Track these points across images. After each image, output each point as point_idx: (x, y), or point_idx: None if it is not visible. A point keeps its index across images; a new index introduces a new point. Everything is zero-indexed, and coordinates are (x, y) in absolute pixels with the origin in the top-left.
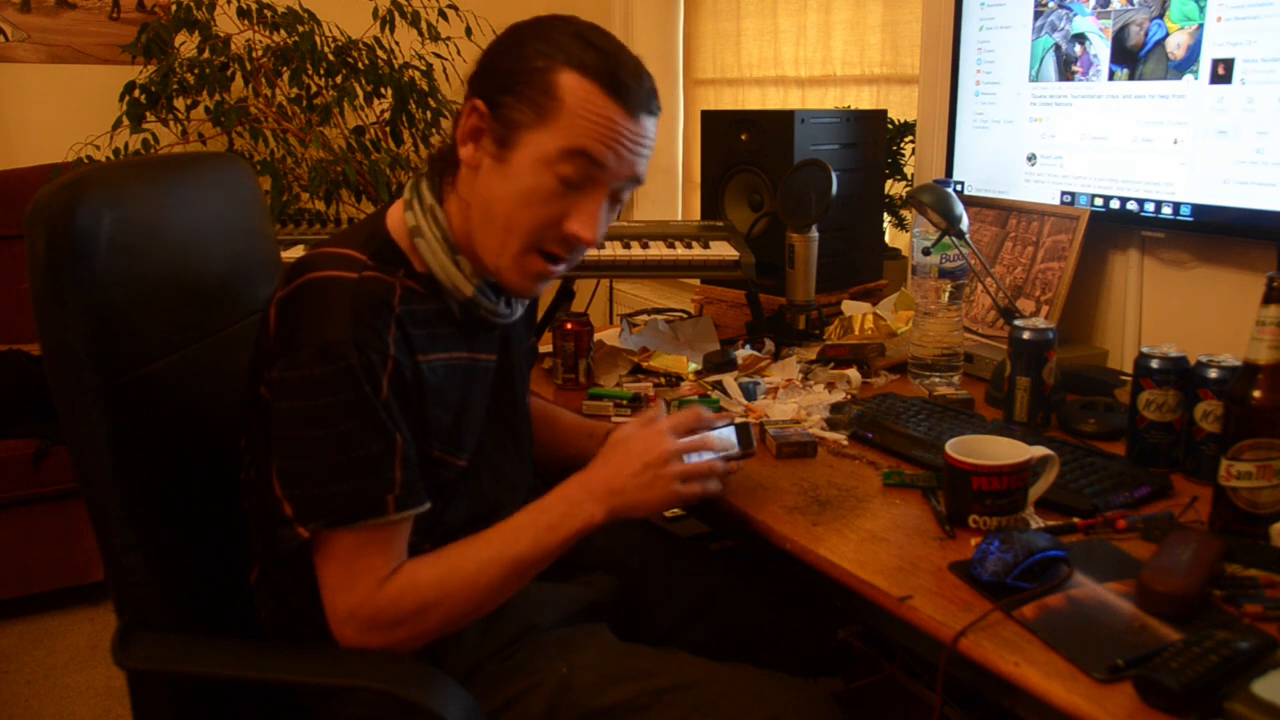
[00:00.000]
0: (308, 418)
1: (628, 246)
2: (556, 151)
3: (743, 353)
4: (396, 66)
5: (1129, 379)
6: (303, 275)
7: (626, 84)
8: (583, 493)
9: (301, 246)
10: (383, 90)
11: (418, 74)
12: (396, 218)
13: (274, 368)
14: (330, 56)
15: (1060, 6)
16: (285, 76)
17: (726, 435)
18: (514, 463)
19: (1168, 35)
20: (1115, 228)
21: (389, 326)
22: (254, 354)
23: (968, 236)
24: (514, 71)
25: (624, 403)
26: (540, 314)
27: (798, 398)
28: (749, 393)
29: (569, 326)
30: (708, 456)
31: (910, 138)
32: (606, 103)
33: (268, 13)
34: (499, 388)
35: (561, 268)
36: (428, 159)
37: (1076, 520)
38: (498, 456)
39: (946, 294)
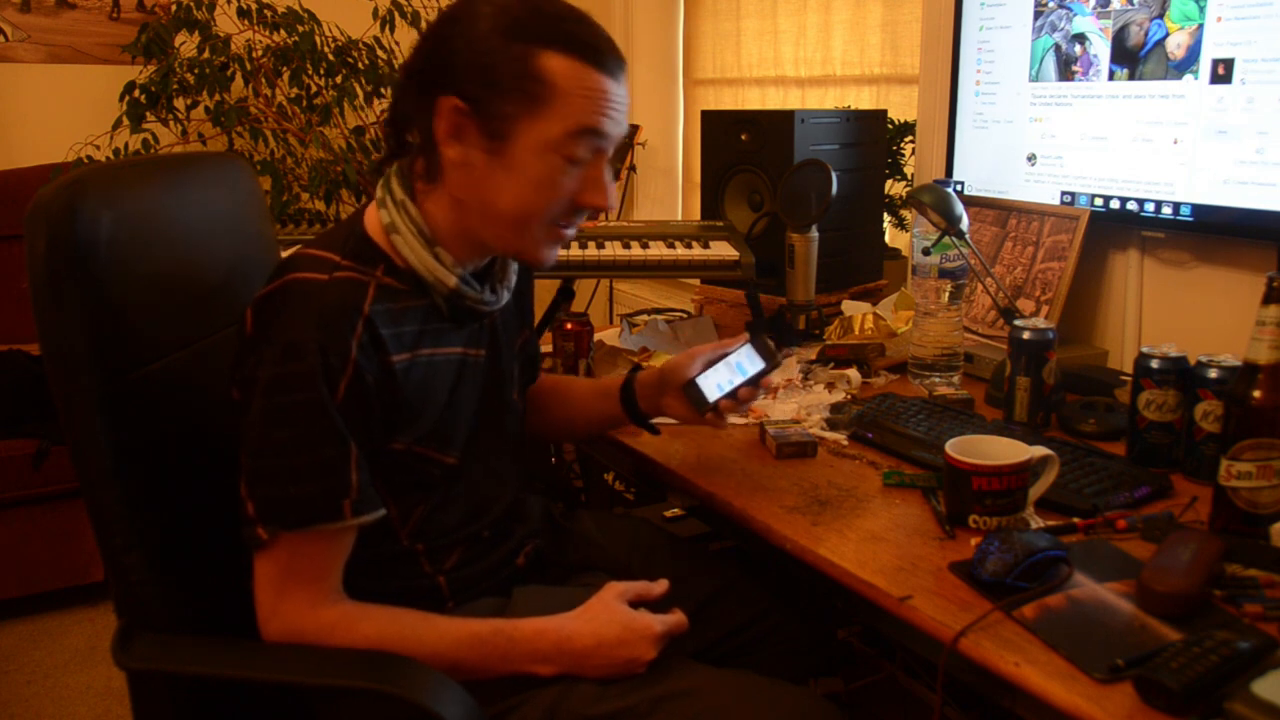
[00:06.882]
0: (271, 417)
1: (628, 246)
2: (562, 135)
3: None
4: (396, 66)
5: (1129, 379)
6: (281, 277)
7: (603, 50)
8: (553, 651)
9: (300, 247)
10: (383, 90)
11: None
12: (372, 216)
13: (245, 365)
14: (330, 56)
15: (1060, 6)
16: (285, 76)
17: (749, 355)
18: (503, 458)
19: (1168, 35)
20: (1115, 228)
21: (354, 330)
22: (234, 353)
23: (968, 236)
24: (487, 64)
25: None
26: (538, 313)
27: (798, 398)
28: None
29: (569, 326)
30: (738, 383)
31: (910, 138)
32: (594, 75)
33: (268, 13)
34: (488, 383)
35: (573, 231)
36: (388, 153)
37: (1076, 520)
38: (487, 452)
39: (946, 294)
